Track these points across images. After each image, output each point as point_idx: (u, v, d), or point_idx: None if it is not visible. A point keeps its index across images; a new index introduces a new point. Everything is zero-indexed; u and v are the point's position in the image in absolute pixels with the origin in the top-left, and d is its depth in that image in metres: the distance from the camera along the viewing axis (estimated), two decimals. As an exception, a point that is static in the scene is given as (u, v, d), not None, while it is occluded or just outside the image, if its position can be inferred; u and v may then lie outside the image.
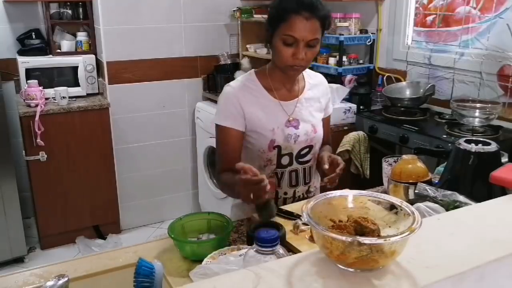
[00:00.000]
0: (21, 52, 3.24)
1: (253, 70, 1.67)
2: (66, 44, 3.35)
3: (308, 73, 1.69)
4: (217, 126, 1.59)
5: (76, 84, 3.29)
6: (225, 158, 1.58)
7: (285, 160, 1.62)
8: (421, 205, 1.26)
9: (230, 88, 1.59)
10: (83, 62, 3.26)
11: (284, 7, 1.45)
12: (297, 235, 1.31)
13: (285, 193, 1.66)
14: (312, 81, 1.69)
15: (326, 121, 1.75)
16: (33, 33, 3.31)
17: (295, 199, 1.67)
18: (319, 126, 1.66)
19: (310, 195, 1.71)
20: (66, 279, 0.98)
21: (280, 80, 1.60)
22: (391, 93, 2.83)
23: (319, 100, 1.68)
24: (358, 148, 2.66)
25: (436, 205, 1.26)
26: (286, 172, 1.64)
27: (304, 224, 1.30)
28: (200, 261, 1.20)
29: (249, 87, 1.59)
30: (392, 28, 3.03)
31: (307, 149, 1.64)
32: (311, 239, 1.28)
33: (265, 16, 3.60)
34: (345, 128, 2.78)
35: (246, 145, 1.61)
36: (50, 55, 3.28)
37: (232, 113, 1.55)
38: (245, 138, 1.60)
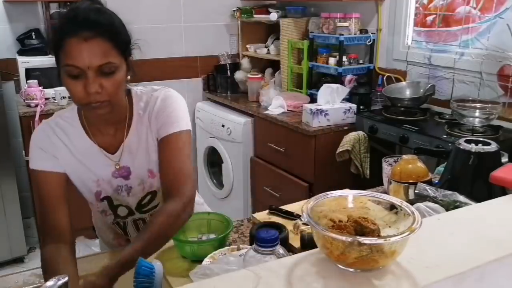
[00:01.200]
0: (21, 52, 3.24)
1: (75, 107, 1.29)
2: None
3: (140, 98, 1.32)
4: (34, 172, 1.24)
5: (76, 84, 3.28)
6: (50, 213, 1.20)
7: (122, 211, 1.38)
8: (421, 205, 1.26)
9: (42, 128, 1.27)
10: (83, 62, 3.26)
11: (59, 31, 1.11)
12: (297, 235, 1.32)
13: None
14: (142, 109, 1.30)
15: (164, 144, 1.27)
16: (33, 33, 3.31)
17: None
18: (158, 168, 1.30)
19: None
20: (66, 279, 0.98)
21: (96, 123, 1.27)
22: (391, 93, 2.83)
23: (151, 130, 1.30)
24: (358, 148, 2.66)
25: (436, 205, 1.26)
26: (128, 221, 1.42)
27: (304, 224, 1.30)
28: (200, 261, 1.20)
29: (65, 130, 1.27)
30: (392, 28, 3.03)
31: (150, 196, 1.37)
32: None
33: (266, 16, 3.60)
34: (345, 128, 2.78)
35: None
36: (50, 55, 3.27)
37: (45, 154, 1.24)
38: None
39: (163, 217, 1.15)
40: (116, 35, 1.15)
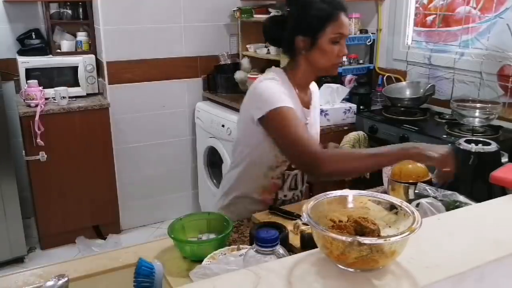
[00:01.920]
0: (21, 52, 3.24)
1: (280, 69, 1.61)
2: (66, 44, 3.35)
3: None
4: (278, 110, 1.42)
5: (76, 84, 3.29)
6: (309, 135, 1.49)
7: None
8: (423, 201, 1.26)
9: (272, 81, 1.51)
10: (83, 62, 3.26)
11: (332, 7, 1.46)
12: (297, 235, 1.31)
13: (285, 196, 1.66)
14: (312, 87, 1.70)
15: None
16: (33, 33, 3.31)
17: (292, 201, 1.68)
18: (318, 133, 1.71)
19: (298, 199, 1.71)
20: (66, 279, 0.98)
21: (305, 86, 1.62)
22: (391, 93, 2.83)
23: (315, 107, 1.72)
24: (358, 148, 2.66)
25: (439, 203, 1.26)
26: (291, 175, 1.64)
27: (304, 224, 1.30)
28: (200, 261, 1.20)
29: (286, 85, 1.54)
30: (392, 28, 3.03)
31: None
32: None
33: (266, 16, 3.58)
34: (345, 128, 2.78)
35: (264, 143, 1.52)
36: (50, 55, 3.28)
37: (287, 96, 1.47)
38: (268, 136, 1.50)
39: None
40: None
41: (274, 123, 1.44)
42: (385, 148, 1.39)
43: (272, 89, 1.47)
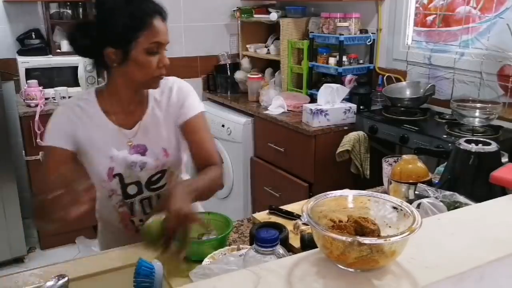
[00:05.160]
0: (21, 52, 3.24)
1: (93, 89, 1.44)
2: (66, 44, 3.34)
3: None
4: (45, 148, 1.38)
5: (76, 84, 3.29)
6: (49, 181, 1.30)
7: (132, 189, 1.45)
8: (425, 201, 1.26)
9: (63, 109, 1.41)
10: (83, 62, 3.27)
11: (142, 12, 1.27)
12: (297, 235, 1.31)
13: (141, 220, 1.49)
14: (159, 95, 1.45)
15: (190, 126, 1.44)
16: (33, 33, 3.31)
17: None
18: (173, 148, 1.45)
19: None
20: (66, 279, 0.98)
21: (121, 102, 1.39)
22: (391, 93, 2.83)
23: (168, 114, 1.44)
24: (358, 148, 2.66)
25: (441, 203, 1.26)
26: (136, 201, 1.47)
27: (304, 224, 1.30)
28: (200, 261, 1.20)
29: (85, 109, 1.38)
30: (392, 28, 3.03)
31: (159, 175, 1.46)
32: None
33: (266, 16, 3.56)
34: (345, 128, 2.78)
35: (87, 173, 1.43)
36: (50, 55, 3.28)
37: (63, 133, 1.36)
38: (83, 164, 1.42)
39: (212, 173, 1.38)
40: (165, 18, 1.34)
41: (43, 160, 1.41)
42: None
43: (52, 120, 1.38)
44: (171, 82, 1.47)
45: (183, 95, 1.46)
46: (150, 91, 1.43)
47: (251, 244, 1.28)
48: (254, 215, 1.52)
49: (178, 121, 1.44)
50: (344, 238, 0.74)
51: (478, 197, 1.24)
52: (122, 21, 1.26)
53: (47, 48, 3.31)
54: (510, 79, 2.41)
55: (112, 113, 1.40)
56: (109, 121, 1.39)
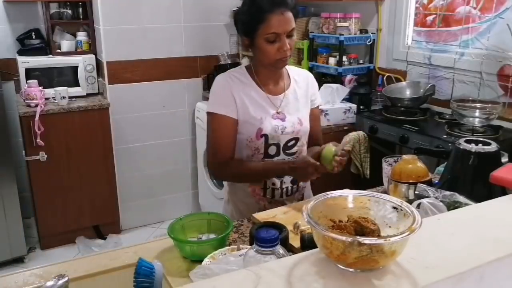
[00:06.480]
0: (21, 52, 3.24)
1: (243, 65, 1.75)
2: (66, 44, 3.35)
3: (292, 70, 1.77)
4: (211, 114, 1.63)
5: (76, 84, 3.29)
6: (223, 146, 1.63)
7: (272, 150, 1.67)
8: (425, 201, 1.26)
9: (222, 77, 1.67)
10: (83, 62, 3.27)
11: (258, 9, 1.53)
12: (297, 235, 1.31)
13: (273, 184, 1.70)
14: (297, 77, 1.76)
15: (314, 113, 1.80)
16: (33, 33, 3.31)
17: (282, 190, 1.72)
18: (305, 120, 1.73)
19: (299, 188, 1.78)
20: (66, 279, 0.98)
21: (267, 76, 1.68)
22: (391, 93, 2.83)
23: (306, 94, 1.75)
24: (358, 148, 2.66)
25: (441, 203, 1.26)
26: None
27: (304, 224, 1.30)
28: (200, 261, 1.20)
29: (240, 79, 1.66)
30: (392, 28, 3.03)
31: (294, 141, 1.70)
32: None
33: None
34: (345, 128, 2.78)
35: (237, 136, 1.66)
36: (50, 55, 3.28)
37: (226, 101, 1.62)
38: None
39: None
40: (295, 8, 1.57)
41: (208, 123, 1.67)
42: (271, 164, 1.64)
43: (214, 90, 1.66)
44: (306, 72, 1.83)
45: (315, 88, 1.81)
46: (290, 72, 1.74)
47: (251, 244, 1.28)
48: (254, 215, 1.52)
49: (312, 102, 1.78)
50: (344, 238, 0.74)
51: (478, 197, 1.24)
52: (246, 17, 1.57)
53: (47, 48, 3.31)
54: (510, 79, 2.41)
55: (262, 85, 1.67)
56: (260, 90, 1.66)
